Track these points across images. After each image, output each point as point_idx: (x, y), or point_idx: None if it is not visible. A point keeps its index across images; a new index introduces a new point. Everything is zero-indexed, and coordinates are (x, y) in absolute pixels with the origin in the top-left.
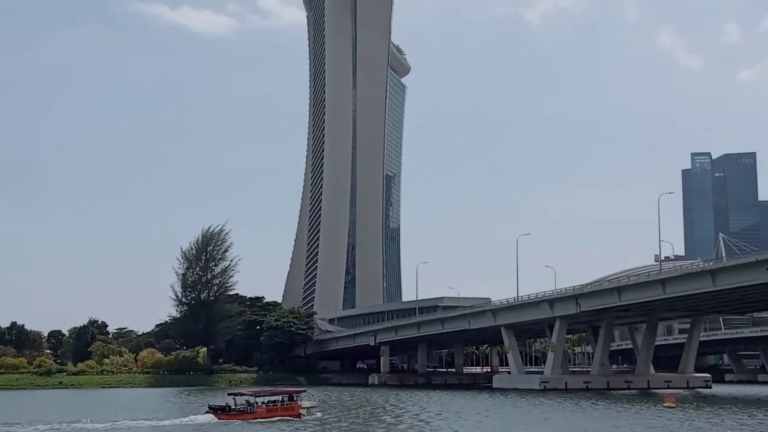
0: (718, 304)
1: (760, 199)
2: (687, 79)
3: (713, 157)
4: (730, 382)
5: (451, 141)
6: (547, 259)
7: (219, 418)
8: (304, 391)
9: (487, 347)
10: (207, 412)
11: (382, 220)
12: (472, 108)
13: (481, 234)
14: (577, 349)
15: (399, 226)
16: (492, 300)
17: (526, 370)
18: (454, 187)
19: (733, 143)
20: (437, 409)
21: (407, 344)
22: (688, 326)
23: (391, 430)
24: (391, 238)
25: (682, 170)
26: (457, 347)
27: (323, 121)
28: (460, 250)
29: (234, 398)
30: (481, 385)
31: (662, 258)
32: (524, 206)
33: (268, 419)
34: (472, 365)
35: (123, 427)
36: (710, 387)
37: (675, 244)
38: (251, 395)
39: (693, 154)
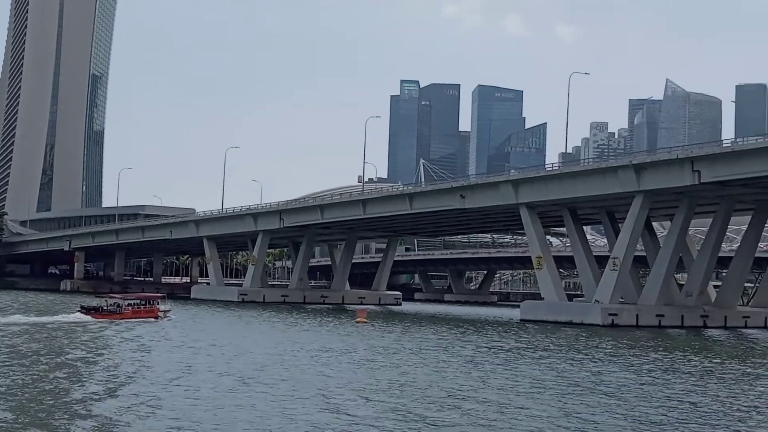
0: (414, 226)
1: (460, 129)
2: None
3: (421, 86)
4: (419, 300)
5: (165, 46)
6: (255, 174)
7: (93, 317)
8: (164, 296)
9: (188, 258)
10: (79, 311)
11: (86, 121)
12: (189, 14)
13: (191, 145)
14: (278, 264)
15: (103, 129)
16: (196, 211)
17: (225, 282)
18: (165, 95)
19: (441, 74)
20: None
21: (105, 251)
22: (384, 246)
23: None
24: (95, 141)
25: (391, 96)
26: (156, 257)
27: (27, 11)
28: (167, 160)
29: (105, 300)
30: (179, 295)
31: (365, 179)
32: (237, 121)
33: (134, 319)
34: (171, 275)
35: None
36: (400, 304)
37: (379, 167)
38: (120, 298)
39: (402, 81)
